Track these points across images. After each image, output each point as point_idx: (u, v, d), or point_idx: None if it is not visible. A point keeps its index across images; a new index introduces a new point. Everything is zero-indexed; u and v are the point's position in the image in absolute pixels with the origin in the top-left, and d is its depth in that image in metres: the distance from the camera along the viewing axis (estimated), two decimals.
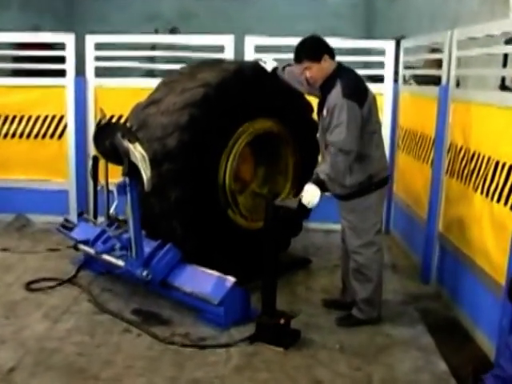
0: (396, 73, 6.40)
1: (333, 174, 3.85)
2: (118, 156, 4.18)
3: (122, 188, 4.18)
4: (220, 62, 5.21)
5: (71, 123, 6.34)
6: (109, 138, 4.25)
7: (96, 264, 5.00)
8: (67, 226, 5.38)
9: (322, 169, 3.87)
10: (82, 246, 4.92)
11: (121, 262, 4.42)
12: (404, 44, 6.37)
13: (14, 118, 6.41)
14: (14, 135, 6.42)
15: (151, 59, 10.34)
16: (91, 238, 4.84)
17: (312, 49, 4.02)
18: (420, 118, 5.59)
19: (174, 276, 4.38)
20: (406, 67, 6.48)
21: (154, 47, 11.88)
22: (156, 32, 14.48)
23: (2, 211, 6.43)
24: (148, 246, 4.44)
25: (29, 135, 6.42)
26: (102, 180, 5.15)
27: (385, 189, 4.22)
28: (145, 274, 4.22)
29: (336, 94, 3.89)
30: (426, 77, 6.03)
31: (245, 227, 4.83)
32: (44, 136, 6.43)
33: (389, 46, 6.24)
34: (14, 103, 6.35)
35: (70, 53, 6.23)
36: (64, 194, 6.48)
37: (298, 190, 4.66)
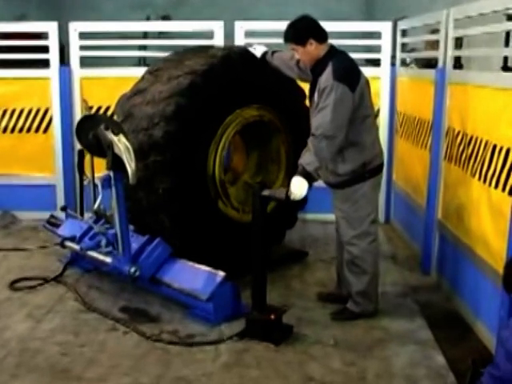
0: (393, 56, 6.36)
1: (317, 162, 3.82)
2: (101, 149, 4.16)
3: (106, 182, 4.16)
4: (207, 48, 5.17)
5: (56, 116, 6.34)
6: (92, 130, 4.23)
7: (83, 261, 4.99)
8: (54, 223, 5.38)
9: (307, 160, 3.84)
10: (68, 243, 4.90)
11: (108, 259, 4.41)
12: (400, 25, 6.32)
13: None
14: None
15: (144, 48, 10.34)
16: (78, 235, 4.82)
17: (297, 32, 4.02)
18: (417, 102, 5.56)
19: (163, 272, 4.36)
20: (406, 50, 6.45)
21: (146, 35, 11.91)
22: (148, 19, 14.44)
23: None
24: (136, 242, 4.43)
25: (13, 129, 6.41)
26: (88, 174, 5.18)
27: (379, 176, 4.19)
28: (132, 270, 4.20)
29: (327, 76, 3.88)
30: (428, 59, 6.01)
31: (236, 220, 4.81)
32: (29, 130, 6.42)
33: (385, 28, 6.21)
34: None
35: (53, 42, 6.22)
36: (51, 189, 6.48)
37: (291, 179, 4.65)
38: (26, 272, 5.04)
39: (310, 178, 3.82)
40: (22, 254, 5.53)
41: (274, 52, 4.62)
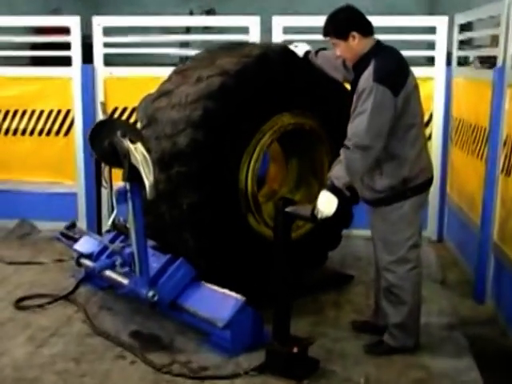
0: (449, 53, 6.06)
1: (348, 176, 3.59)
2: (118, 158, 4.02)
3: (122, 195, 4.01)
4: (242, 45, 4.97)
5: (78, 118, 6.28)
6: (108, 137, 4.10)
7: (98, 278, 4.87)
8: (68, 235, 5.28)
9: (337, 173, 3.62)
10: (84, 261, 4.79)
11: (124, 280, 4.26)
12: (457, 20, 6.01)
13: (16, 112, 6.38)
14: (15, 132, 6.39)
15: (186, 45, 10.28)
16: (95, 252, 4.71)
17: (339, 24, 3.80)
18: (474, 106, 5.27)
19: (185, 298, 4.16)
20: (465, 47, 6.15)
21: (188, 31, 11.87)
22: (191, 14, 14.42)
23: (4, 216, 6.40)
24: (156, 261, 4.27)
25: (32, 132, 6.39)
26: (106, 183, 5.07)
27: (424, 195, 3.91)
28: (150, 294, 4.01)
29: (367, 76, 3.64)
30: (493, 58, 5.69)
31: (270, 239, 4.51)
32: (49, 133, 6.38)
33: (440, 22, 5.92)
34: (15, 96, 6.32)
35: (75, 38, 6.17)
36: (72, 198, 6.44)
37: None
38: (36, 288, 4.97)
39: (339, 193, 3.59)
40: (35, 267, 5.47)
41: (318, 51, 4.38)
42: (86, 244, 5.01)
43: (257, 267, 4.39)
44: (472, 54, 6.09)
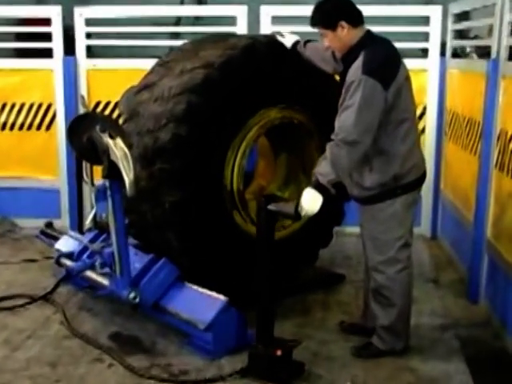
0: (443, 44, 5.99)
1: (333, 173, 3.51)
2: (97, 154, 3.94)
3: (101, 192, 3.93)
4: (228, 36, 4.87)
5: (60, 112, 6.19)
6: (87, 132, 4.02)
7: (79, 278, 4.78)
8: (49, 234, 5.20)
9: (322, 169, 3.54)
10: (64, 261, 4.70)
11: (105, 281, 4.19)
12: (452, 9, 5.93)
13: None
14: None
15: (176, 36, 10.17)
16: (76, 251, 4.63)
17: (326, 13, 3.70)
18: (467, 98, 5.19)
19: (168, 299, 4.08)
20: (460, 37, 6.07)
21: (178, 22, 11.74)
22: (182, 3, 14.28)
23: None
24: (139, 261, 4.19)
25: (12, 126, 6.30)
26: (87, 178, 5.00)
27: (415, 193, 3.82)
28: (132, 296, 3.94)
29: (356, 68, 3.55)
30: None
31: None
32: (30, 127, 6.30)
33: (434, 12, 5.84)
34: None
35: (56, 29, 6.08)
36: (54, 194, 6.36)
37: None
38: (14, 289, 4.90)
39: (324, 191, 3.50)
40: (14, 267, 5.40)
41: (306, 42, 4.29)
42: (67, 243, 4.94)
43: (243, 267, 4.28)
44: (467, 44, 6.00)
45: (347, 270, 5.27)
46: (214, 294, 3.98)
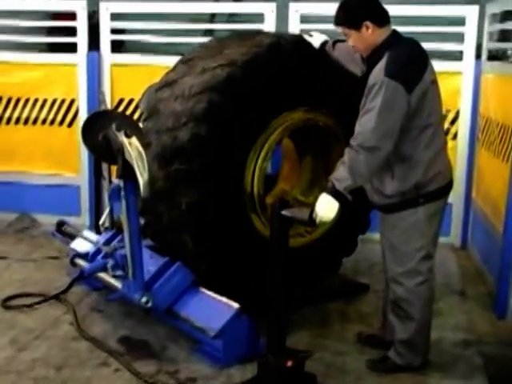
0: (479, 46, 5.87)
1: (350, 179, 3.41)
2: (112, 153, 3.92)
3: (115, 192, 3.90)
4: (254, 34, 4.80)
5: (83, 108, 6.20)
6: (102, 130, 4.00)
7: (93, 278, 4.77)
8: (64, 232, 5.19)
9: (339, 175, 3.45)
10: (78, 261, 4.70)
11: (118, 284, 4.16)
12: (489, 9, 5.78)
13: (18, 100, 6.35)
14: (17, 121, 6.36)
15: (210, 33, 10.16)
16: (91, 251, 4.62)
17: (351, 13, 3.62)
18: (502, 103, 5.04)
19: (181, 304, 4.04)
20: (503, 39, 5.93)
21: (212, 18, 11.74)
22: (216, 0, 14.27)
23: (4, 209, 6.37)
24: (154, 264, 4.16)
25: (34, 121, 6.34)
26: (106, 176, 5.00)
27: (439, 203, 3.68)
28: (144, 300, 3.90)
29: (378, 70, 3.47)
30: None
31: None
32: (52, 123, 6.33)
33: (470, 12, 5.70)
34: (18, 83, 6.28)
35: (81, 24, 6.10)
36: (75, 191, 6.39)
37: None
38: (27, 287, 4.92)
39: (341, 197, 3.42)
40: (29, 264, 5.42)
41: (336, 42, 4.20)
42: (82, 242, 4.93)
43: (261, 273, 4.11)
44: (508, 46, 5.83)
45: (370, 278, 5.17)
46: (226, 300, 3.92)
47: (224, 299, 3.94)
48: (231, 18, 9.22)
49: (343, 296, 4.86)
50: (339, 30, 3.72)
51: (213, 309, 3.91)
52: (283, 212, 3.44)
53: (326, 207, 3.41)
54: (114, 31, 6.25)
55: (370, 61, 3.63)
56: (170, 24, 6.39)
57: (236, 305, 3.84)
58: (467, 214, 5.98)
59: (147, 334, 4.20)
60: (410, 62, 3.52)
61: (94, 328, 4.28)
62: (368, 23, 3.56)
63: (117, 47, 6.51)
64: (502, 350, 4.15)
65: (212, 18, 11.88)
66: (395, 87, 3.39)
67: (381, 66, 3.47)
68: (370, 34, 3.58)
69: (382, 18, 3.61)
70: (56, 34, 6.67)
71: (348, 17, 3.62)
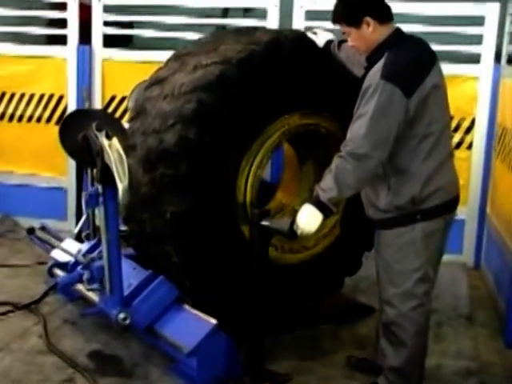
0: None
1: (335, 190, 3.33)
2: (91, 155, 3.86)
3: (93, 198, 3.83)
4: (253, 30, 4.73)
5: (72, 105, 6.20)
6: (83, 129, 3.95)
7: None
8: (41, 238, 5.14)
9: (325, 184, 3.38)
10: (57, 271, 4.64)
11: (95, 297, 4.11)
12: (511, 9, 5.68)
13: (3, 95, 6.37)
14: (2, 117, 6.38)
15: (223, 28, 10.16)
16: (71, 261, 4.53)
17: (350, 9, 3.53)
18: None
19: (163, 323, 3.94)
20: None
21: (225, 13, 11.75)
22: None
23: None
24: (135, 277, 4.07)
25: (20, 118, 6.37)
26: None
27: (440, 221, 3.55)
28: (121, 316, 3.82)
29: (375, 71, 3.38)
30: None
31: (273, 260, 4.24)
32: (39, 120, 6.35)
33: (490, 11, 5.61)
34: (3, 77, 6.30)
35: (72, 14, 6.09)
36: (62, 194, 6.39)
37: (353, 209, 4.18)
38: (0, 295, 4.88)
39: (325, 209, 3.35)
40: (5, 271, 5.40)
41: (341, 42, 4.10)
42: (63, 251, 4.86)
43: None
44: None
45: (370, 297, 5.02)
46: (203, 315, 3.85)
47: (201, 315, 3.87)
48: (247, 12, 9.21)
49: (344, 319, 4.75)
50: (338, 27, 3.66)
51: (189, 324, 3.83)
52: (263, 222, 3.39)
53: (309, 219, 3.35)
54: (119, 24, 6.28)
55: (370, 61, 3.54)
56: (176, 18, 6.37)
57: (213, 321, 3.76)
58: (481, 230, 5.88)
59: (120, 350, 4.15)
60: (410, 63, 3.40)
61: (64, 341, 4.24)
62: (369, 19, 3.46)
63: (124, 43, 6.55)
64: (508, 382, 4.03)
65: (225, 12, 11.90)
66: (391, 90, 3.28)
67: (378, 67, 3.37)
68: (371, 32, 3.48)
69: (384, 14, 3.51)
70: (56, 26, 6.65)
71: (347, 13, 3.53)
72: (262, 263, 3.45)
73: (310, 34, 4.30)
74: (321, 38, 4.24)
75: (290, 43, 4.19)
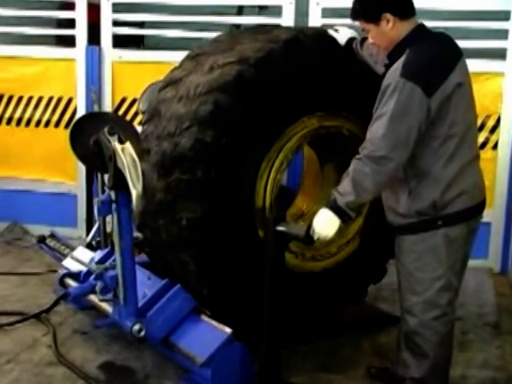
0: None
1: (353, 194, 3.34)
2: (103, 161, 3.88)
3: (105, 205, 3.84)
4: (271, 28, 4.74)
5: (82, 107, 6.25)
6: (94, 133, 3.96)
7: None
8: (50, 246, 5.18)
9: (342, 188, 3.39)
10: (68, 281, 4.58)
11: (109, 308, 4.09)
12: None
13: (10, 99, 6.42)
14: (9, 121, 6.42)
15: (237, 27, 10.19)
16: (84, 271, 4.51)
17: (368, 4, 3.53)
18: None
19: (179, 334, 3.92)
20: None
21: (240, 11, 11.77)
22: None
23: None
24: (150, 287, 4.07)
25: (28, 122, 6.41)
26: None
27: (464, 227, 3.51)
28: (136, 328, 3.81)
29: (394, 70, 3.37)
30: None
31: (294, 267, 4.26)
32: (47, 124, 6.39)
33: None
34: (10, 80, 6.36)
35: (80, 14, 6.14)
36: (71, 200, 6.43)
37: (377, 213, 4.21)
38: (8, 304, 4.94)
39: (342, 213, 3.36)
40: (14, 279, 5.45)
41: (364, 39, 4.07)
42: (75, 260, 4.89)
43: (276, 302, 3.94)
44: None
45: (392, 305, 5.02)
46: (217, 324, 3.85)
47: (216, 323, 3.87)
48: (261, 10, 9.23)
49: (367, 329, 4.73)
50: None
51: (203, 334, 3.83)
52: (278, 227, 3.39)
53: (325, 224, 3.36)
54: (129, 24, 6.33)
55: (390, 59, 3.52)
56: (189, 17, 6.38)
57: (228, 330, 3.76)
58: (508, 234, 5.86)
59: (132, 361, 4.17)
60: (432, 60, 3.38)
61: (74, 352, 4.26)
62: (388, 15, 3.45)
63: (135, 44, 6.59)
64: None
65: (240, 10, 11.92)
66: (412, 89, 3.27)
67: (398, 64, 3.36)
68: (391, 28, 3.47)
69: (405, 9, 3.49)
70: (65, 27, 6.70)
71: (365, 9, 3.52)
72: (277, 270, 3.44)
73: (330, 32, 4.25)
74: (342, 36, 4.20)
75: (310, 41, 4.15)
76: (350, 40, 4.16)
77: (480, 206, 3.58)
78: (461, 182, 3.45)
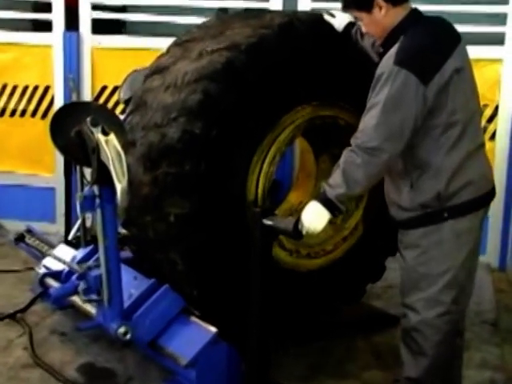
0: None
1: (344, 186, 3.33)
2: (86, 153, 3.84)
3: (88, 201, 3.80)
4: (264, 12, 4.74)
5: (59, 97, 6.23)
6: (76, 124, 3.93)
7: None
8: (27, 242, 5.14)
9: (332, 180, 3.38)
10: (49, 281, 4.57)
11: (92, 310, 4.08)
12: None
13: None
14: None
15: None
16: (65, 270, 4.49)
17: None
18: None
19: (167, 337, 3.90)
20: None
21: None
22: None
23: None
24: (137, 288, 4.04)
25: (3, 112, 6.39)
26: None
27: (473, 218, 3.49)
28: (121, 331, 3.77)
29: (387, 58, 3.35)
30: None
31: (287, 265, 4.29)
32: (23, 113, 6.37)
33: None
34: None
35: None
36: (49, 193, 6.42)
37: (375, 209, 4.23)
38: None
39: (332, 206, 3.36)
40: None
41: None
42: (55, 259, 4.84)
43: (268, 301, 3.96)
44: None
45: (385, 302, 5.12)
46: (204, 324, 3.84)
47: (202, 323, 3.86)
48: None
49: (365, 330, 4.74)
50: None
51: (187, 333, 3.83)
52: (265, 221, 3.39)
53: (314, 217, 3.35)
54: (110, 8, 6.33)
55: (385, 47, 3.50)
56: (174, 0, 6.39)
57: (213, 329, 3.76)
58: (507, 228, 5.89)
59: (114, 362, 4.18)
60: (427, 46, 3.36)
61: (51, 354, 4.26)
62: (380, 2, 3.41)
63: (116, 29, 6.57)
64: None
65: None
66: (406, 77, 3.24)
67: (391, 52, 3.34)
68: (384, 16, 3.44)
69: None
70: (41, 11, 6.67)
71: None
72: (262, 266, 3.45)
73: (327, 17, 4.22)
74: (339, 21, 4.17)
75: (305, 26, 4.14)
76: (348, 26, 4.14)
77: (489, 196, 3.58)
78: (467, 172, 3.42)
